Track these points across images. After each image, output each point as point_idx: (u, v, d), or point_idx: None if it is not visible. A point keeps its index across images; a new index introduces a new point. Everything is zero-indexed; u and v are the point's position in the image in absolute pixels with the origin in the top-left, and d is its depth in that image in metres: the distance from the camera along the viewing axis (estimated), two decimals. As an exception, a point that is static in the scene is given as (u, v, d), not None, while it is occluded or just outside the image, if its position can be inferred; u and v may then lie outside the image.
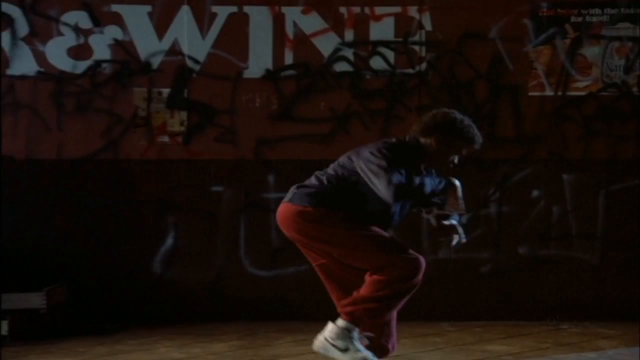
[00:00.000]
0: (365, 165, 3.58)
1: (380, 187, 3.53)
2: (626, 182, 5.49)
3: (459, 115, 3.76)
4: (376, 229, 3.69)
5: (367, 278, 3.67)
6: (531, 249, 5.52)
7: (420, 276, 3.63)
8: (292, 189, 3.82)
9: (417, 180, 3.60)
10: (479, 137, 3.74)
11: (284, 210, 3.75)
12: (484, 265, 5.51)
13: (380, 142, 3.70)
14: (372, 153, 3.61)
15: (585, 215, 5.54)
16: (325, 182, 3.71)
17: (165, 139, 5.46)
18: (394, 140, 3.76)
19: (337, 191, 3.66)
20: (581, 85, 5.51)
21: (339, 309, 3.75)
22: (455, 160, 3.73)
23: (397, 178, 3.50)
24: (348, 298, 3.69)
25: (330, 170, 3.81)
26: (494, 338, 4.95)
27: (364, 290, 3.65)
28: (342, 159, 3.80)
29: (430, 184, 3.68)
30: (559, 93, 5.53)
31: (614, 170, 5.50)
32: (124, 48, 5.45)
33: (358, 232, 3.62)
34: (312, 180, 3.79)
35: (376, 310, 3.63)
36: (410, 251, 3.68)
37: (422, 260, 3.67)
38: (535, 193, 5.53)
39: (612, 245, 5.52)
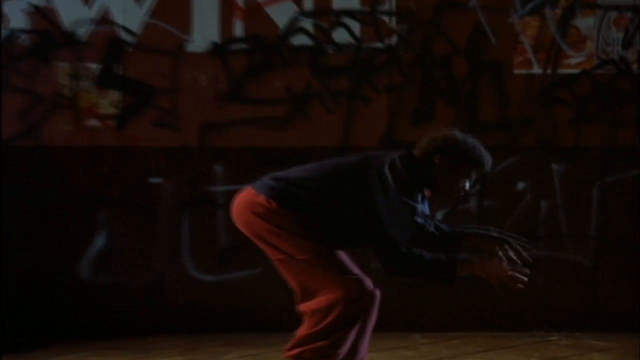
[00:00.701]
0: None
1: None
2: (624, 173, 5.50)
3: (461, 136, 3.63)
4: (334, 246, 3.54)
5: (303, 311, 3.55)
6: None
7: (366, 301, 3.48)
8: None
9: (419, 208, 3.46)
10: (488, 158, 3.63)
11: (242, 196, 3.60)
12: None
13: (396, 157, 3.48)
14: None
15: (577, 211, 5.55)
16: (312, 185, 3.51)
17: (95, 122, 5.41)
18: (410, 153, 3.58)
19: (322, 201, 3.49)
20: (573, 62, 5.52)
21: (283, 354, 3.62)
22: (466, 186, 3.59)
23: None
24: (291, 341, 3.56)
25: (328, 167, 3.58)
26: (472, 351, 4.98)
27: (304, 328, 3.52)
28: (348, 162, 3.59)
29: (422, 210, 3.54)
30: (548, 71, 5.53)
31: (611, 159, 5.52)
32: (44, 16, 5.35)
33: (313, 248, 3.47)
34: (296, 173, 3.59)
35: (324, 348, 3.46)
36: (354, 271, 3.51)
37: (367, 282, 3.49)
38: (520, 185, 5.55)
39: (607, 245, 5.51)
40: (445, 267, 3.55)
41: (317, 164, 3.63)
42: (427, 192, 3.55)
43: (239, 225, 3.64)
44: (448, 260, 3.61)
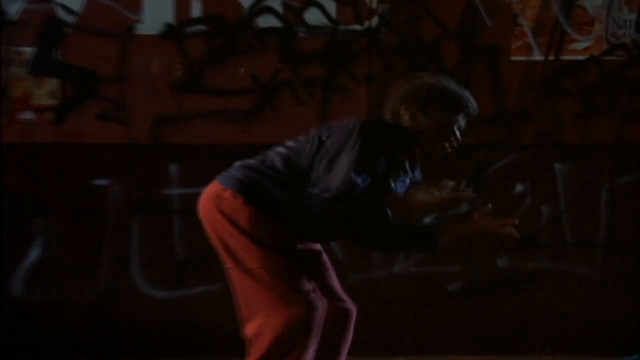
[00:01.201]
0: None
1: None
2: (636, 173, 5.41)
3: (429, 79, 3.43)
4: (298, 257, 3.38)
5: (247, 335, 3.40)
6: (513, 260, 5.48)
7: (308, 323, 3.33)
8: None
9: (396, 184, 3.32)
10: (467, 96, 3.43)
11: (209, 190, 3.45)
12: (452, 282, 5.43)
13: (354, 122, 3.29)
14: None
15: (583, 217, 5.46)
16: (279, 166, 3.35)
17: (30, 115, 5.24)
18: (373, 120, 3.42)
19: (282, 187, 3.32)
20: (580, 47, 5.42)
21: None
22: (457, 135, 3.42)
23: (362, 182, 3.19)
24: None
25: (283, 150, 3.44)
26: None
27: (250, 357, 3.35)
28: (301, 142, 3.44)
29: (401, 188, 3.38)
30: (551, 57, 5.42)
31: (621, 157, 5.43)
32: None
33: (264, 256, 3.30)
34: (272, 157, 3.42)
35: None
36: (305, 288, 3.35)
37: (317, 301, 3.33)
38: (519, 188, 5.45)
39: (617, 255, 5.40)
40: (423, 233, 3.44)
41: (300, 140, 3.43)
42: (416, 156, 3.41)
43: (205, 225, 3.45)
44: (425, 225, 3.52)
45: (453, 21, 5.31)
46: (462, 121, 3.43)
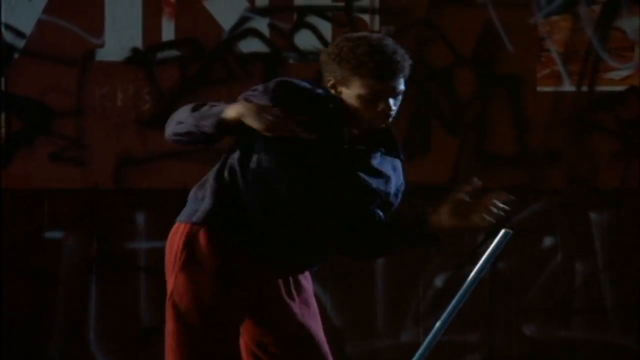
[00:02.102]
0: None
1: None
2: None
3: (351, 37, 3.19)
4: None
5: None
6: (543, 328, 5.29)
7: None
8: None
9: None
10: (376, 52, 3.13)
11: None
12: (470, 354, 5.28)
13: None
14: None
15: (625, 276, 5.28)
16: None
17: None
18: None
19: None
20: (618, 76, 5.29)
21: None
22: (381, 107, 3.14)
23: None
24: None
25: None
26: None
27: None
28: None
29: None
30: (584, 88, 5.30)
31: None
32: None
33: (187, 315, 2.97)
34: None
35: None
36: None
37: None
38: (547, 241, 5.30)
39: None
40: (418, 225, 3.30)
41: None
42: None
43: None
44: (415, 218, 3.33)
45: (468, 45, 5.25)
46: (382, 87, 3.12)
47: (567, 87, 5.31)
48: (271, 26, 5.18)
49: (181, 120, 3.14)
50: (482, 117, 5.28)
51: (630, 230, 5.32)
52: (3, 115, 5.15)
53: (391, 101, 3.14)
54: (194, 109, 3.13)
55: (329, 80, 3.19)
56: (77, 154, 5.14)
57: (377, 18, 5.12)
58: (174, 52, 5.15)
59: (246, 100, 3.17)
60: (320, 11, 5.19)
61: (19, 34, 5.10)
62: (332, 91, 3.19)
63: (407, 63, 3.19)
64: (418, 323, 5.11)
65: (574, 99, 5.30)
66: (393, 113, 3.19)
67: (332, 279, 5.13)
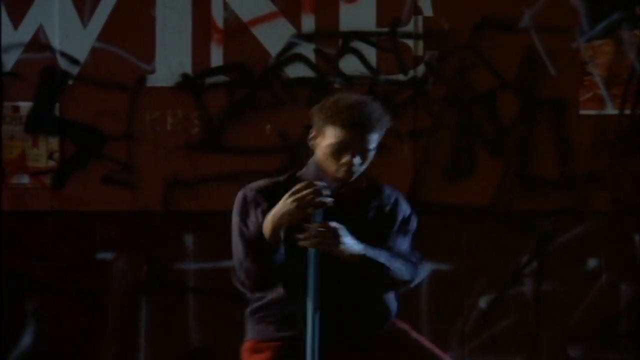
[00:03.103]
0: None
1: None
2: None
3: (337, 95, 3.46)
4: None
5: None
6: (589, 351, 5.25)
7: None
8: None
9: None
10: (345, 108, 3.36)
11: None
12: None
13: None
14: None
15: None
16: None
17: (25, 179, 5.19)
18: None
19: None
20: None
21: None
22: (344, 160, 3.37)
23: None
24: None
25: None
26: None
27: None
28: None
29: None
30: (627, 111, 5.25)
31: None
32: None
33: None
34: None
35: None
36: None
37: None
38: (592, 263, 5.25)
39: None
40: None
41: None
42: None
43: None
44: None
45: (511, 70, 5.21)
46: (348, 135, 3.33)
47: (610, 110, 5.29)
48: (317, 51, 5.20)
49: (244, 265, 3.29)
50: (525, 140, 5.26)
51: None
52: (58, 140, 5.14)
53: (357, 158, 3.31)
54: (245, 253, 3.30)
55: (312, 133, 3.40)
56: (127, 177, 5.19)
57: (420, 43, 5.13)
58: (222, 78, 5.17)
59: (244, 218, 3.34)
60: (364, 36, 5.19)
61: (74, 60, 5.15)
62: (311, 143, 3.38)
63: (379, 124, 3.35)
64: (463, 344, 5.10)
65: (616, 122, 5.26)
66: (355, 168, 3.34)
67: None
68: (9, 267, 5.06)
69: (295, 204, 3.24)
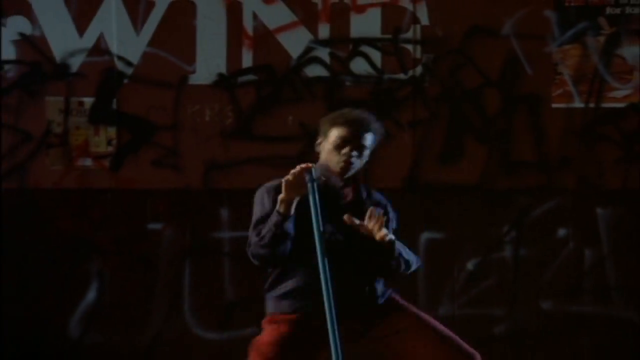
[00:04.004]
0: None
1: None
2: None
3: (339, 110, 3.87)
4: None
5: None
6: (558, 304, 5.51)
7: None
8: None
9: None
10: (346, 112, 3.78)
11: None
12: (496, 325, 5.50)
13: None
14: None
15: (626, 261, 5.46)
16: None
17: (88, 162, 5.43)
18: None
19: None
20: (619, 95, 5.49)
21: None
22: (345, 151, 3.69)
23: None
24: None
25: None
26: None
27: None
28: None
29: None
30: (591, 105, 5.50)
31: None
32: (33, 45, 5.39)
33: None
34: None
35: None
36: None
37: None
38: (561, 232, 5.49)
39: None
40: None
41: None
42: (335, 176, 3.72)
43: None
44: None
45: (495, 70, 5.41)
46: (348, 131, 3.65)
47: (577, 104, 5.45)
48: (331, 54, 5.39)
49: (258, 241, 3.58)
50: (506, 129, 5.44)
51: (630, 223, 5.46)
52: (115, 129, 5.33)
53: (354, 152, 3.64)
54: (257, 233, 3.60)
55: (319, 140, 3.73)
56: (173, 161, 5.36)
57: (418, 48, 5.36)
58: (251, 77, 5.36)
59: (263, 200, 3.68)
60: (371, 42, 5.39)
61: (128, 63, 5.34)
62: (318, 148, 3.72)
63: (371, 126, 3.70)
64: (453, 300, 5.36)
65: (582, 114, 5.45)
66: (354, 160, 3.66)
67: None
68: (75, 236, 5.25)
69: (290, 176, 3.50)
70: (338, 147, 3.68)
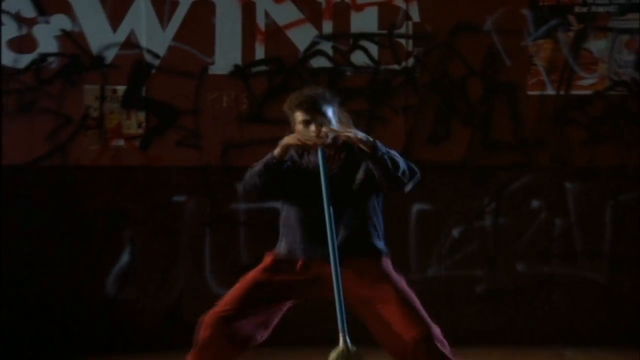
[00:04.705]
0: None
1: None
2: (636, 192, 5.54)
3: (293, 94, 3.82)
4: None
5: None
6: (531, 266, 5.60)
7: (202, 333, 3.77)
8: None
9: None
10: (295, 97, 3.71)
11: None
12: (477, 285, 5.59)
13: None
14: None
15: (591, 229, 5.58)
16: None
17: (121, 142, 5.52)
18: None
19: None
20: (586, 84, 5.58)
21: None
22: (312, 129, 3.64)
23: None
24: None
25: None
26: None
27: None
28: None
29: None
30: (562, 92, 5.59)
31: (623, 178, 5.57)
32: (73, 40, 5.49)
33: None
34: None
35: None
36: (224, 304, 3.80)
37: (210, 316, 3.80)
38: (535, 204, 5.59)
39: (621, 263, 5.52)
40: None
41: None
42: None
43: None
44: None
45: (477, 61, 5.53)
46: (305, 112, 3.61)
47: (550, 91, 5.55)
48: (333, 48, 5.49)
49: (252, 172, 3.68)
50: (487, 114, 5.55)
51: (594, 196, 5.55)
52: (144, 113, 5.46)
53: (320, 125, 3.56)
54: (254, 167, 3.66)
55: (291, 123, 3.68)
56: (194, 141, 5.47)
57: (410, 42, 5.47)
58: (263, 67, 5.49)
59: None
60: (369, 36, 5.49)
61: (156, 56, 5.46)
62: (294, 129, 3.64)
63: (323, 100, 3.63)
64: (440, 262, 5.52)
65: (554, 100, 5.56)
66: (322, 133, 3.56)
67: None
68: (110, 208, 5.39)
69: (305, 141, 3.51)
70: (305, 126, 3.63)
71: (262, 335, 3.77)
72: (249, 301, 3.75)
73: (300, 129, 3.67)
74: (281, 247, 3.76)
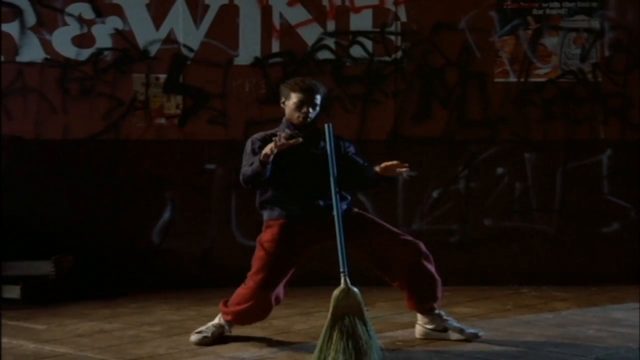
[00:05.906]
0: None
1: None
2: (582, 161, 5.83)
3: (293, 78, 4.10)
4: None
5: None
6: (496, 221, 5.83)
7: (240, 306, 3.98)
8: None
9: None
10: (300, 81, 3.94)
11: None
12: (452, 236, 5.84)
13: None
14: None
15: (544, 191, 5.81)
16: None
17: (162, 121, 5.73)
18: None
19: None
20: (542, 72, 5.79)
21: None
22: (304, 110, 3.89)
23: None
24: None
25: None
26: (461, 301, 5.22)
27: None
28: None
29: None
30: (522, 79, 5.80)
31: (571, 149, 5.81)
32: (124, 37, 5.71)
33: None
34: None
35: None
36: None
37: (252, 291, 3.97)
38: (499, 170, 5.82)
39: (568, 218, 5.85)
40: (371, 174, 3.91)
41: None
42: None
43: None
44: (369, 170, 3.91)
45: (454, 54, 5.75)
46: (304, 95, 3.87)
47: (512, 79, 5.76)
48: (336, 43, 5.71)
49: (246, 174, 3.89)
50: (462, 97, 5.77)
51: (548, 164, 5.79)
52: (182, 97, 5.68)
53: (311, 109, 3.86)
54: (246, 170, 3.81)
55: (282, 99, 3.93)
56: (223, 120, 5.70)
57: (399, 38, 5.70)
58: (278, 59, 5.69)
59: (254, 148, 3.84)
60: (365, 34, 5.71)
61: (190, 49, 5.68)
62: (282, 106, 3.90)
63: (319, 90, 3.87)
64: (422, 218, 5.83)
65: (516, 86, 5.78)
66: (311, 115, 3.85)
67: (372, 193, 5.55)
68: (154, 174, 5.64)
69: (273, 142, 3.77)
70: (298, 107, 3.89)
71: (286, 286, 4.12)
72: (280, 273, 3.98)
73: (292, 108, 3.89)
74: (283, 214, 3.94)
